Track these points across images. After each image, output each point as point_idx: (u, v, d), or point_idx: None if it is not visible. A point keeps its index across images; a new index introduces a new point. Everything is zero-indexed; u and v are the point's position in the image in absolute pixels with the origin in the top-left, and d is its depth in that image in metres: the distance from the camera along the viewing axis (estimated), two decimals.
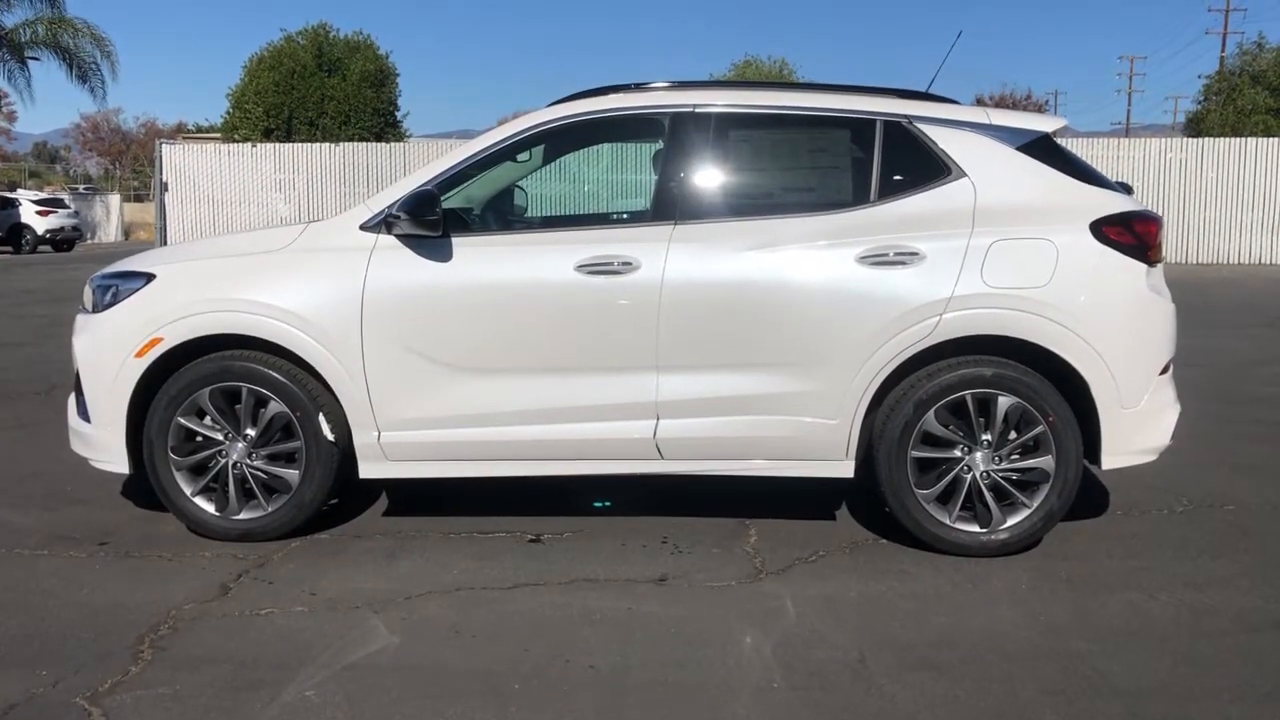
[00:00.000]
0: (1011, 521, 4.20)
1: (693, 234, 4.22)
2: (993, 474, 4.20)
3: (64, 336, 5.07)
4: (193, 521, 4.41)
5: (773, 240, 4.20)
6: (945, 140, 4.28)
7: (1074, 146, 22.61)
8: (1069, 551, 4.30)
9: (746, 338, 4.19)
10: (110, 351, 4.32)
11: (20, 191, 35.38)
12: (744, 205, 4.46)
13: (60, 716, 2.97)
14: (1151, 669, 3.25)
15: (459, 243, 4.26)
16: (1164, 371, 4.30)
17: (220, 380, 4.29)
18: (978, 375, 4.15)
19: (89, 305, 4.51)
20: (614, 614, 3.68)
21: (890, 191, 4.26)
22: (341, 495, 4.71)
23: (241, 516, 4.37)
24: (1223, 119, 35.26)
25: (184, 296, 4.31)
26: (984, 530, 4.21)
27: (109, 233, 38.77)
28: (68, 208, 32.22)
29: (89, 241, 35.54)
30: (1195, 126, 37.93)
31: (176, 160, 27.18)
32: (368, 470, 4.37)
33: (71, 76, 29.30)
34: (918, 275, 4.12)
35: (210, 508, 4.38)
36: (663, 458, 4.28)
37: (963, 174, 4.23)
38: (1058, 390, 4.15)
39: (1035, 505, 4.19)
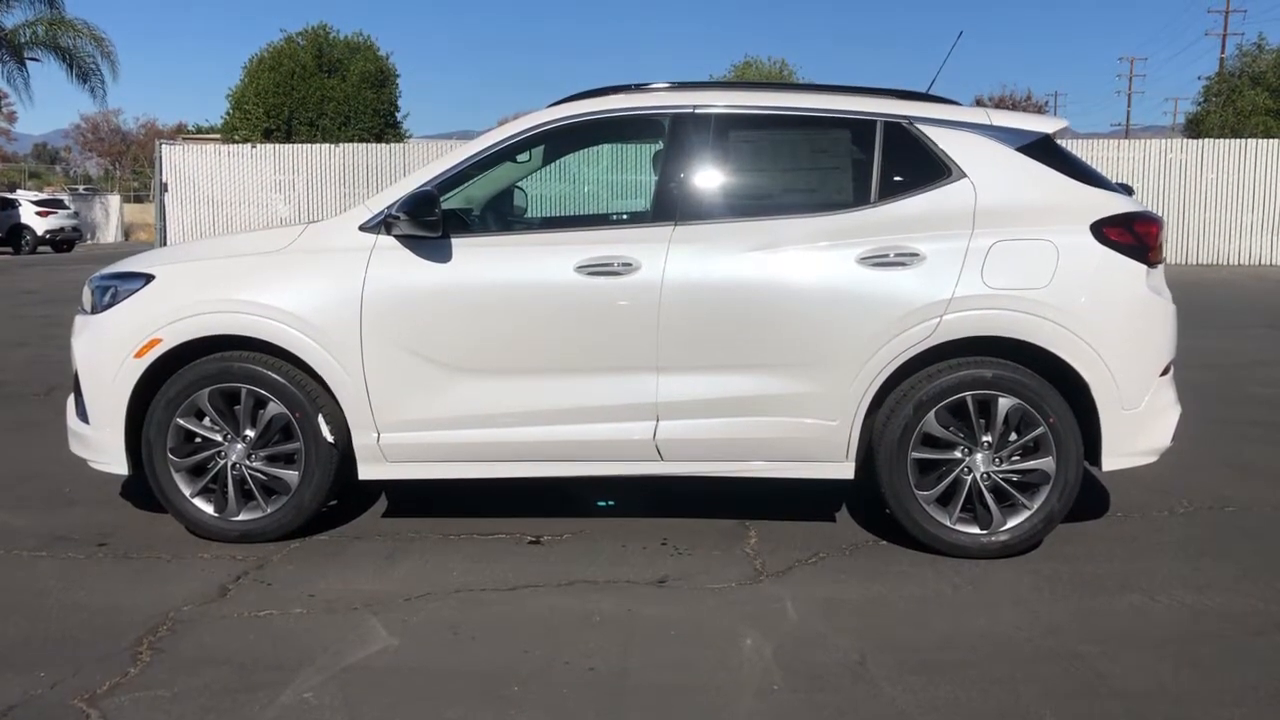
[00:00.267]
0: (1012, 523, 4.20)
1: (693, 235, 4.22)
2: (993, 475, 4.19)
3: (63, 337, 5.06)
4: (192, 523, 4.40)
5: (773, 241, 4.19)
6: (946, 141, 4.27)
7: (1074, 147, 22.65)
8: (1069, 553, 4.29)
9: (746, 339, 4.18)
10: (109, 352, 4.31)
11: (20, 192, 35.41)
12: (744, 206, 4.46)
13: (59, 718, 2.96)
14: (1152, 671, 3.24)
15: (459, 243, 4.26)
16: (1165, 373, 4.30)
17: (219, 381, 4.28)
18: (978, 376, 4.14)
19: (88, 306, 4.51)
20: (614, 616, 3.67)
21: (891, 192, 4.25)
22: (341, 496, 4.71)
23: (240, 518, 4.36)
24: (1222, 120, 35.29)
25: (183, 297, 4.30)
26: (984, 532, 4.20)
27: (109, 233, 38.79)
28: (67, 208, 32.24)
29: (89, 242, 35.56)
30: (1195, 128, 37.96)
31: (176, 161, 27.20)
32: (367, 471, 4.36)
33: (71, 77, 29.28)
34: (918, 276, 4.12)
35: (209, 509, 4.37)
36: (662, 459, 4.28)
37: (963, 175, 4.23)
38: (1058, 391, 4.15)
39: (1036, 507, 4.19)
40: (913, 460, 4.19)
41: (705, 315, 4.18)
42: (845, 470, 4.29)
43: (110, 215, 39.42)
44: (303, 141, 29.32)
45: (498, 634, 3.51)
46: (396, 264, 4.23)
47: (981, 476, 4.19)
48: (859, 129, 4.37)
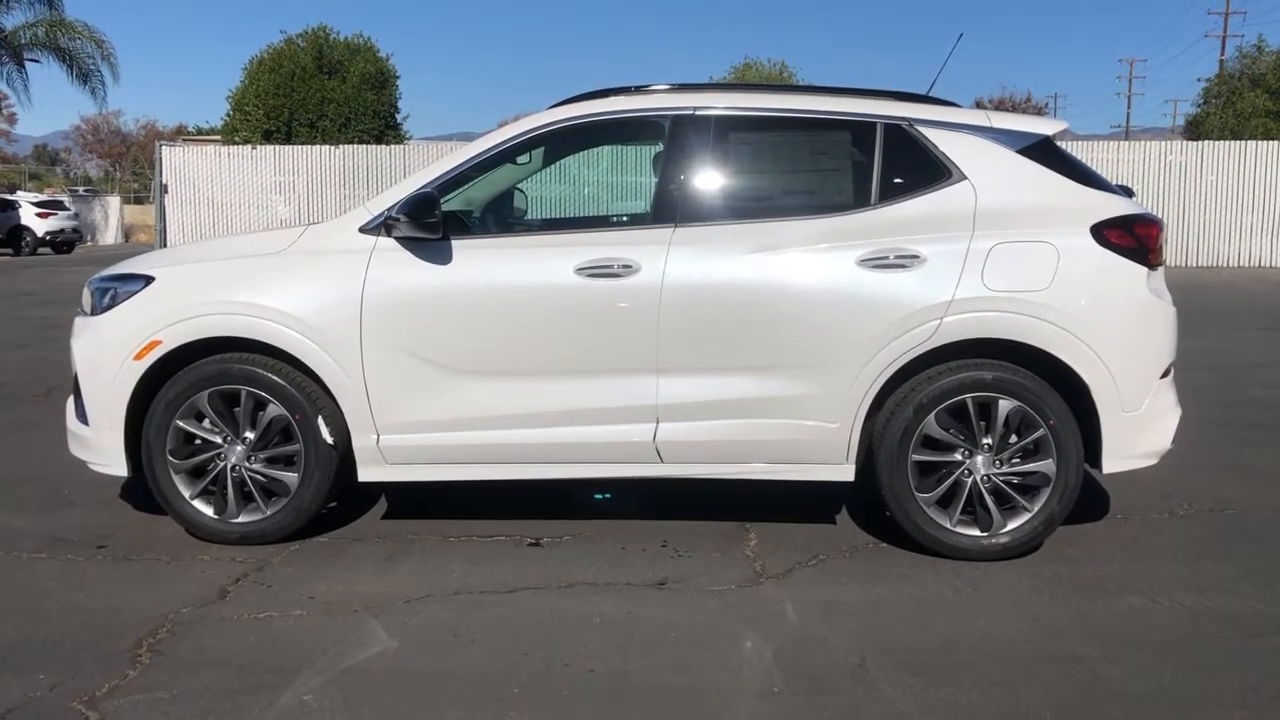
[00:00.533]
0: (1012, 525, 4.19)
1: (693, 237, 4.22)
2: (993, 478, 4.19)
3: (63, 339, 5.06)
4: (191, 524, 4.40)
5: (773, 243, 4.19)
6: (946, 143, 4.27)
7: (1074, 149, 22.64)
8: (1070, 555, 4.29)
9: (746, 340, 4.18)
10: (109, 354, 4.31)
11: (20, 194, 35.40)
12: (744, 208, 4.45)
13: None
14: (1153, 673, 3.24)
15: (458, 245, 4.26)
16: (1165, 375, 4.29)
17: (219, 383, 4.28)
18: (978, 379, 4.14)
19: (88, 308, 4.51)
20: (614, 618, 3.67)
21: (890, 194, 4.25)
22: (340, 498, 4.71)
23: (240, 519, 4.36)
24: (1222, 122, 35.29)
25: (183, 299, 4.30)
26: (984, 534, 4.20)
27: (109, 235, 38.77)
28: (67, 210, 32.22)
29: (89, 244, 35.54)
30: (1195, 129, 37.96)
31: (176, 162, 27.18)
32: (366, 473, 4.36)
33: (71, 78, 29.30)
34: (918, 278, 4.12)
35: (209, 511, 4.37)
36: (662, 461, 4.28)
37: (963, 177, 4.23)
38: (1059, 394, 4.14)
39: (1036, 509, 4.19)
40: (913, 462, 4.18)
41: (705, 317, 4.18)
42: (845, 472, 4.29)
43: (110, 217, 39.40)
44: (303, 143, 29.30)
45: (497, 636, 3.51)
46: (396, 266, 4.22)
47: (982, 479, 4.18)
48: (859, 131, 4.37)
